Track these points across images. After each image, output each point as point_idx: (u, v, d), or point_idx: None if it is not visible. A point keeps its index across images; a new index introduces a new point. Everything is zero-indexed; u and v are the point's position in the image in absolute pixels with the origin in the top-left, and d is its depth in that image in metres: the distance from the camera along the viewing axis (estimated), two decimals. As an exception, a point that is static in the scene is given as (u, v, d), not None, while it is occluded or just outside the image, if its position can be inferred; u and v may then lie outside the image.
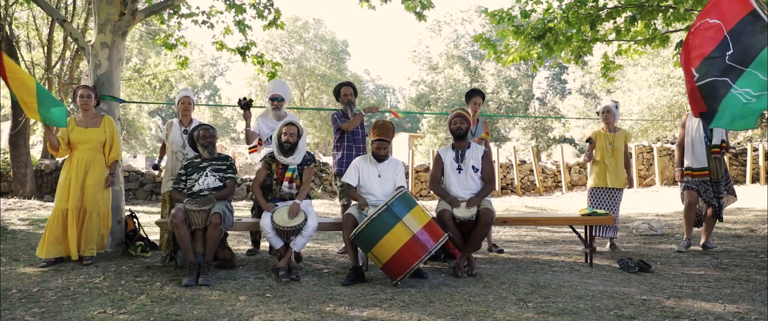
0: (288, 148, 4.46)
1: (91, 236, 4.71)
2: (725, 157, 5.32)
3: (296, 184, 4.50)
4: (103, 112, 5.04)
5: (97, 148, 4.80)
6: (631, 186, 5.57)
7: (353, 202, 4.57)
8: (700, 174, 5.26)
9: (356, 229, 3.92)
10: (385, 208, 3.88)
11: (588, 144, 5.54)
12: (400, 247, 3.81)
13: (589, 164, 5.61)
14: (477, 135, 5.49)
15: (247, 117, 5.15)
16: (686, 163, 5.35)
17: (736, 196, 5.40)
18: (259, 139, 5.24)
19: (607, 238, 5.49)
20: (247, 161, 17.70)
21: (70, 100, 14.27)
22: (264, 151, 5.27)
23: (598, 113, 5.69)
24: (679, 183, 5.52)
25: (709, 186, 5.25)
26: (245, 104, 5.08)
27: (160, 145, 5.33)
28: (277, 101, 5.22)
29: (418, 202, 4.17)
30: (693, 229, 5.45)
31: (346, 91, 5.41)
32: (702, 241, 5.46)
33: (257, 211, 5.32)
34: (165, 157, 5.20)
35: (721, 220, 5.37)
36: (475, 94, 5.52)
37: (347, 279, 4.03)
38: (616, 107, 5.60)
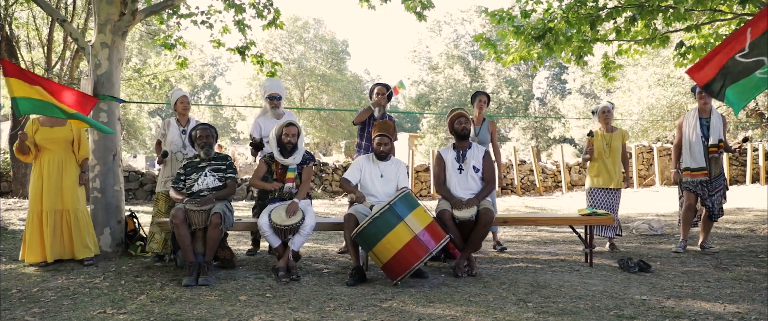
0: (290, 149, 4.46)
1: (83, 237, 4.68)
2: (724, 157, 5.30)
3: (296, 183, 4.50)
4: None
5: (66, 147, 4.74)
6: (629, 186, 5.55)
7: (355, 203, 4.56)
8: (699, 174, 5.25)
9: (358, 228, 3.92)
10: (387, 208, 3.89)
11: (588, 137, 5.52)
12: (401, 247, 3.81)
13: (588, 164, 5.61)
14: (481, 136, 5.49)
15: (254, 153, 5.17)
16: (684, 164, 5.34)
17: (726, 197, 5.40)
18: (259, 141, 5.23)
19: (607, 237, 5.49)
20: (247, 161, 17.69)
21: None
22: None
23: (593, 112, 5.70)
24: (678, 184, 5.51)
25: (706, 186, 5.25)
26: (256, 144, 5.09)
27: (155, 142, 5.29)
28: (276, 100, 5.22)
29: (419, 202, 4.17)
30: (690, 229, 5.44)
31: (380, 90, 5.33)
32: (700, 241, 5.45)
33: (259, 210, 5.32)
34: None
35: (712, 219, 5.34)
36: (480, 94, 5.69)
37: (351, 279, 4.03)
38: (613, 108, 5.64)
